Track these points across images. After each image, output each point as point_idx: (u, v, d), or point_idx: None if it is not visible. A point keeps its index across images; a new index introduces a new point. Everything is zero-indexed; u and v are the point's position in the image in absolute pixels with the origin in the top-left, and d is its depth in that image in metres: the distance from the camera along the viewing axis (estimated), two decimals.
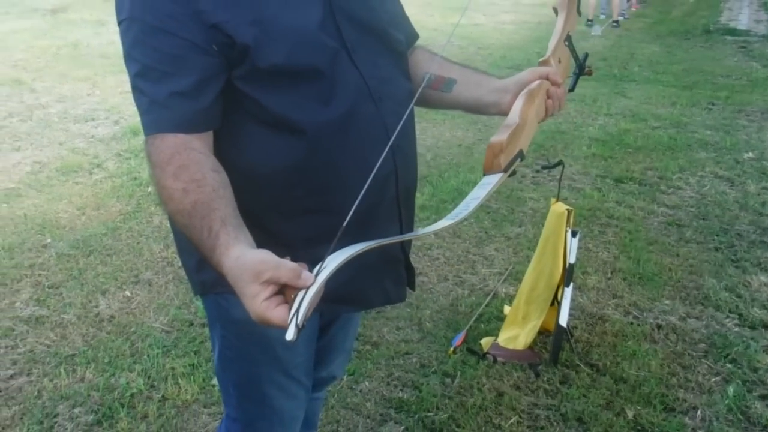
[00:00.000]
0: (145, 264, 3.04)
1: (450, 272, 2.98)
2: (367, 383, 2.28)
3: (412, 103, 1.15)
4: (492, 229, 3.43)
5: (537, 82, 1.23)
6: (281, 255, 1.11)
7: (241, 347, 1.27)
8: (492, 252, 3.19)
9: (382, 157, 1.05)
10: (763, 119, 5.67)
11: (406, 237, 1.09)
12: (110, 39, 8.05)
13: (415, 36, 1.34)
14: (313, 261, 1.15)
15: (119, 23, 1.03)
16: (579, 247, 2.56)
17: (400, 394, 2.22)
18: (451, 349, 2.41)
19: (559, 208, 2.34)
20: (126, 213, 3.57)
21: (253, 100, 1.04)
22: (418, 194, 3.90)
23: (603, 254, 3.21)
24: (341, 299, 1.22)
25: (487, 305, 2.72)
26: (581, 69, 1.44)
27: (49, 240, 3.27)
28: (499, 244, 3.27)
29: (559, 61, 1.35)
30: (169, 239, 3.15)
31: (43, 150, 4.61)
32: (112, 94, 5.94)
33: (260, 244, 1.11)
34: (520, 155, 1.12)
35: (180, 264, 1.31)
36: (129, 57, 1.03)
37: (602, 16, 10.63)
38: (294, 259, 1.13)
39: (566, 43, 1.36)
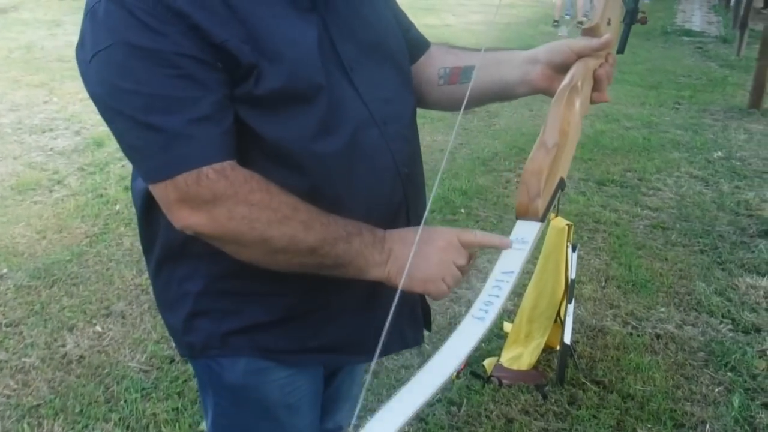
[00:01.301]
0: (116, 293, 2.82)
1: None
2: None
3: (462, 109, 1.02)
4: None
5: (580, 71, 0.97)
6: (285, 301, 1.02)
7: (237, 415, 1.13)
8: (485, 264, 3.08)
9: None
10: (726, 118, 5.79)
11: (454, 370, 0.74)
12: (67, 40, 7.62)
13: (426, 43, 1.21)
14: (318, 305, 1.04)
15: (94, 57, 0.85)
16: None
17: (406, 428, 2.09)
18: (455, 373, 2.30)
19: (559, 223, 2.26)
20: (92, 235, 3.32)
21: (250, 128, 0.91)
22: None
23: (595, 262, 3.16)
24: (352, 349, 1.10)
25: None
26: (633, 16, 1.08)
27: (5, 270, 3.01)
28: (492, 255, 3.13)
29: (609, 23, 1.02)
30: (142, 264, 2.94)
31: None
32: (71, 101, 5.60)
33: (261, 288, 1.00)
34: (561, 186, 0.93)
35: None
36: (120, 92, 0.85)
37: (567, 17, 10.77)
38: (299, 304, 1.01)
39: None
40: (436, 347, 0.75)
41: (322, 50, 0.93)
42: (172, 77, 0.83)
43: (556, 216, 2.29)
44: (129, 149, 0.89)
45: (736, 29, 9.06)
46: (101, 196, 3.78)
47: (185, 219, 0.87)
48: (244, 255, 0.92)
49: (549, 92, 1.06)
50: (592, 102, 1.04)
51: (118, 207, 3.62)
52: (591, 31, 1.00)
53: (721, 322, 2.72)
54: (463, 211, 3.63)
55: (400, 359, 2.41)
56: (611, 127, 5.31)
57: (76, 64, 0.91)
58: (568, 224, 2.27)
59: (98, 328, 2.59)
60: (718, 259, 3.24)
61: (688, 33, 10.31)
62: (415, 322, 1.18)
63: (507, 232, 3.06)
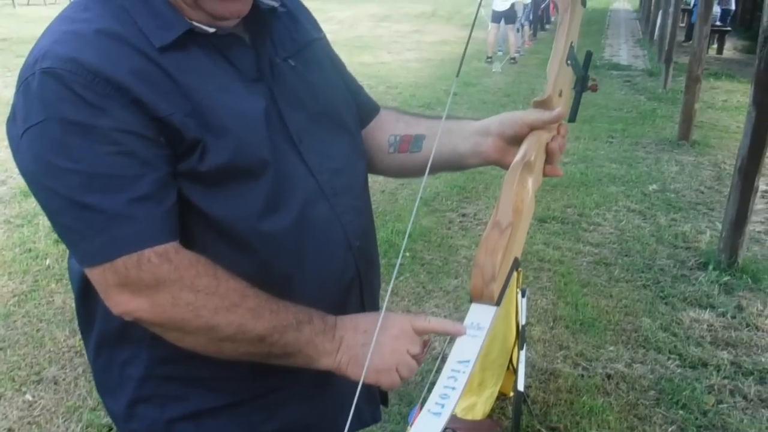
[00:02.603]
0: (47, 357, 2.64)
1: None
2: None
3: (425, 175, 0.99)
4: (429, 283, 3.31)
5: (533, 146, 0.95)
6: (234, 385, 0.96)
7: None
8: (432, 309, 3.07)
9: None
10: (657, 150, 6.00)
11: None
12: None
13: (375, 108, 1.18)
14: (269, 389, 0.98)
15: (26, 131, 0.80)
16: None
17: None
18: (410, 427, 2.24)
19: None
20: (20, 294, 3.13)
21: (195, 205, 0.86)
22: None
23: (542, 302, 3.18)
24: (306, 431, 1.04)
25: (437, 371, 2.57)
26: (583, 84, 1.02)
27: None
28: (439, 300, 3.15)
29: (560, 94, 1.00)
30: (75, 323, 2.77)
31: None
32: (14, 159, 5.33)
33: (207, 372, 0.94)
34: (516, 266, 0.90)
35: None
36: (54, 170, 0.79)
37: (500, 53, 11.06)
38: (248, 388, 0.95)
39: (569, 62, 1.00)
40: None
41: (269, 122, 0.90)
42: (111, 154, 0.79)
43: None
44: (64, 230, 0.83)
45: (661, 63, 9.49)
46: (30, 250, 3.58)
47: (125, 304, 0.82)
48: (187, 343, 0.87)
49: (501, 164, 1.04)
50: (544, 175, 1.02)
51: (48, 262, 3.42)
52: (543, 104, 0.98)
53: (669, 358, 2.77)
54: (408, 254, 3.60)
55: None
56: None
57: (2, 109, 0.84)
58: (517, 270, 2.26)
59: (28, 397, 2.43)
60: (661, 294, 3.32)
61: (617, 67, 10.74)
62: (372, 399, 1.14)
63: (453, 275, 3.02)
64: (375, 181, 4.77)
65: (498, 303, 0.84)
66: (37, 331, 2.83)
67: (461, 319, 2.60)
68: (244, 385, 0.97)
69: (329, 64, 1.08)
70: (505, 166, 1.00)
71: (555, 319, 3.03)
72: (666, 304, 3.22)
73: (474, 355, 0.79)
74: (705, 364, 2.73)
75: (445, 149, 1.07)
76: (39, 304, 3.04)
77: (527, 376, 2.56)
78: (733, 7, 13.40)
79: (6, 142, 0.88)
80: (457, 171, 1.15)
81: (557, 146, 1.01)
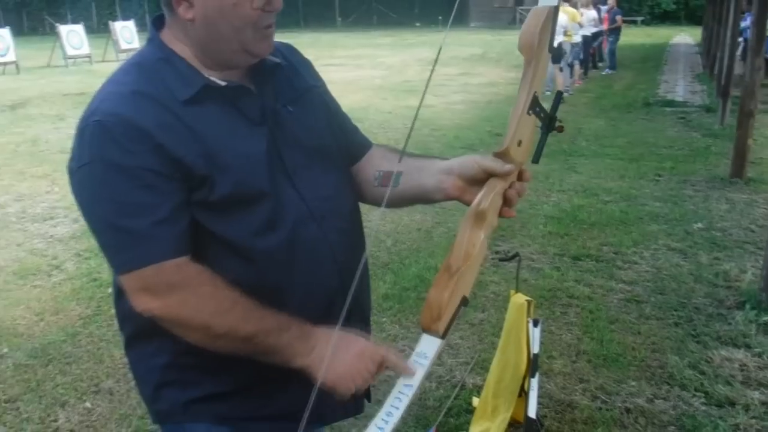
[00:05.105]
0: (105, 371, 2.96)
1: None
2: None
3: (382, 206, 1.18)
4: None
5: (488, 194, 1.06)
6: (239, 374, 1.17)
7: None
8: (457, 340, 3.19)
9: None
10: (707, 188, 5.82)
11: None
12: (69, 133, 7.85)
13: (368, 145, 1.38)
14: (269, 378, 1.17)
15: (77, 169, 1.07)
16: (542, 330, 2.58)
17: None
18: None
19: (518, 299, 2.39)
20: (86, 317, 3.49)
21: (204, 228, 1.10)
22: (380, 282, 3.84)
23: (566, 336, 3.24)
24: (293, 417, 1.19)
25: (455, 398, 2.71)
26: (549, 125, 1.08)
27: (6, 350, 3.18)
28: (464, 332, 3.27)
29: (519, 144, 1.06)
30: None
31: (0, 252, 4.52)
32: (71, 191, 5.88)
33: (218, 362, 1.14)
34: (464, 303, 1.02)
35: None
36: (97, 200, 1.06)
37: (548, 92, 11.07)
38: (251, 376, 1.17)
39: (530, 112, 1.05)
40: None
41: (270, 159, 1.14)
42: (138, 187, 1.04)
43: (516, 292, 2.42)
44: (104, 246, 1.09)
45: (718, 98, 9.23)
46: (95, 279, 3.97)
47: (145, 304, 1.07)
48: (189, 337, 1.10)
49: (461, 200, 1.20)
50: (500, 216, 1.14)
51: (110, 290, 3.75)
52: (501, 155, 1.07)
53: (694, 396, 2.73)
54: None
55: None
56: (589, 201, 5.44)
57: None
58: (528, 300, 2.38)
59: (88, 405, 2.73)
60: (693, 332, 3.26)
61: (671, 104, 10.48)
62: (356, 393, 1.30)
63: (480, 308, 3.10)
64: (412, 220, 4.96)
65: (443, 337, 0.98)
66: (98, 349, 3.16)
67: (484, 351, 2.77)
68: (247, 375, 1.18)
69: (324, 109, 1.30)
70: (465, 203, 1.18)
71: (578, 353, 3.08)
72: (697, 342, 3.16)
73: (417, 381, 0.93)
74: (732, 403, 2.67)
75: (414, 184, 1.26)
76: (101, 326, 3.38)
77: (544, 406, 2.65)
78: None
79: None
80: (426, 204, 1.32)
81: (515, 193, 1.15)
